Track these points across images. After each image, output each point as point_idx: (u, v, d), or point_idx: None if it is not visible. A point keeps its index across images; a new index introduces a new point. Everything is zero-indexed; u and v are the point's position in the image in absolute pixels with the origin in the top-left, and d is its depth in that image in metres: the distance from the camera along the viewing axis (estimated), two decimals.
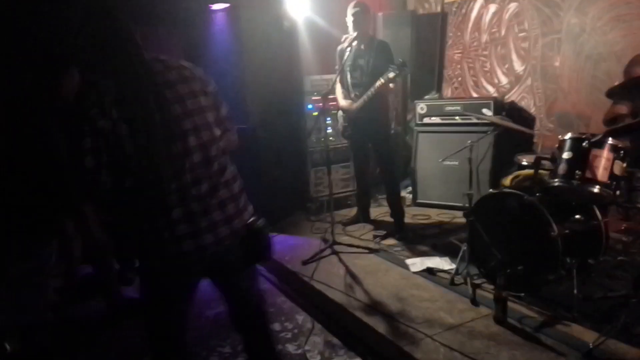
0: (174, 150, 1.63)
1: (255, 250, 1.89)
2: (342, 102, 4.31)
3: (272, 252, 1.95)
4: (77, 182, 1.69)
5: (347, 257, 3.95)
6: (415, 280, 3.49)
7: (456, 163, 4.79)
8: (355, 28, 4.04)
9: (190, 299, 1.92)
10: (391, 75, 3.85)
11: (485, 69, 5.46)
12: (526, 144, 4.91)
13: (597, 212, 3.12)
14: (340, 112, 4.44)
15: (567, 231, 2.96)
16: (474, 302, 3.09)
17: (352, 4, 4.07)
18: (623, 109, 3.40)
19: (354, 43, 4.11)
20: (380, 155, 4.42)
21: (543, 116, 4.90)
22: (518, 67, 5.10)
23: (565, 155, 2.93)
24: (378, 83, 3.92)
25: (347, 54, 4.11)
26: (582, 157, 2.85)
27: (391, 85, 4.04)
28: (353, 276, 3.60)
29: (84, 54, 1.71)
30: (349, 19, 4.06)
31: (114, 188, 1.60)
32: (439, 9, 5.92)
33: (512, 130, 3.69)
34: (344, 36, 4.21)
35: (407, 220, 4.54)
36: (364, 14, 4.05)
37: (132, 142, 1.55)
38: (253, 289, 2.06)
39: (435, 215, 4.92)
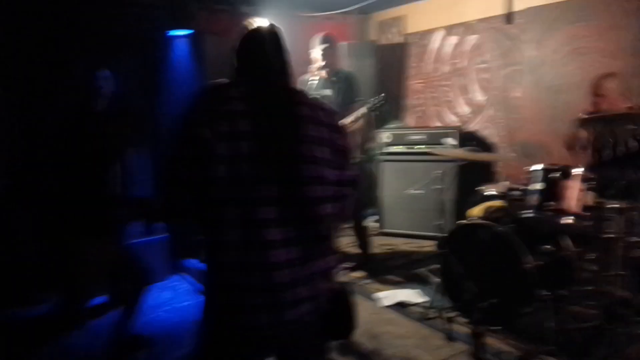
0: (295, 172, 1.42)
1: (339, 324, 1.57)
2: None
3: (356, 324, 1.60)
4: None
5: None
6: (387, 315, 3.38)
7: (421, 192, 4.77)
8: (324, 61, 4.00)
9: None
10: (364, 110, 3.85)
11: (448, 98, 5.52)
12: (489, 173, 4.96)
13: (568, 242, 3.12)
14: None
15: (540, 262, 2.94)
16: (450, 337, 3.00)
17: (320, 38, 4.03)
18: (584, 134, 3.46)
19: (321, 74, 4.07)
20: None
21: (505, 145, 4.97)
22: (479, 97, 5.18)
23: (537, 186, 2.94)
24: (349, 119, 3.88)
25: (312, 84, 4.06)
26: (554, 187, 2.87)
27: (357, 124, 4.01)
28: None
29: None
30: (317, 52, 4.02)
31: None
32: (400, 39, 5.99)
33: (483, 160, 3.69)
34: (310, 67, 4.15)
35: (374, 250, 4.45)
36: (332, 48, 4.05)
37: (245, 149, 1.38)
38: None
39: (402, 245, 4.86)
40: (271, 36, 1.61)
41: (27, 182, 3.44)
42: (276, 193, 1.39)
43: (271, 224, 1.38)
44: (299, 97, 1.56)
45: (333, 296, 1.52)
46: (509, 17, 2.96)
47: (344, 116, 3.93)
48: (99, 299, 3.18)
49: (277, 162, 1.41)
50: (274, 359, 1.55)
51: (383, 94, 3.92)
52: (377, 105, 3.86)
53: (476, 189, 3.93)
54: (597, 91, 3.29)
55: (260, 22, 1.62)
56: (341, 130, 1.60)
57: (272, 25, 1.62)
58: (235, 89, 1.48)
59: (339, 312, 1.55)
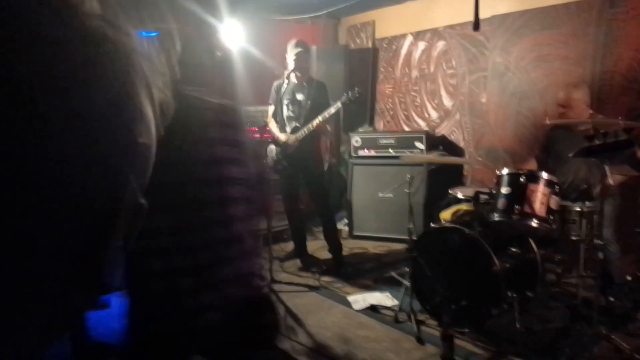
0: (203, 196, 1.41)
1: (260, 328, 1.55)
2: (280, 135, 4.22)
3: (280, 328, 1.60)
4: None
5: (286, 295, 3.78)
6: (359, 318, 3.39)
7: (391, 196, 4.81)
8: (297, 66, 4.03)
9: None
10: (333, 110, 3.94)
11: (416, 103, 5.60)
12: (457, 176, 5.04)
13: (534, 245, 3.20)
14: (271, 146, 4.34)
15: (507, 265, 3.00)
16: (420, 340, 3.02)
17: (293, 43, 4.05)
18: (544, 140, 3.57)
19: (293, 78, 4.11)
20: (313, 189, 4.35)
21: (472, 150, 5.07)
22: (447, 102, 5.27)
23: (504, 190, 2.99)
24: (320, 117, 3.95)
25: (284, 88, 4.08)
26: (520, 192, 2.93)
27: (327, 126, 4.08)
28: (294, 317, 3.44)
29: None
30: (290, 57, 4.03)
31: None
32: (370, 44, 6.04)
33: (448, 164, 3.74)
34: (285, 72, 4.16)
35: (345, 253, 4.46)
36: (306, 53, 4.11)
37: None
38: None
39: (373, 248, 4.88)
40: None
41: None
42: (174, 199, 1.38)
43: (166, 231, 1.37)
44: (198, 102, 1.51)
45: (250, 302, 1.49)
46: (475, 24, 3.01)
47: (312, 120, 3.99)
48: None
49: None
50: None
51: (357, 88, 3.98)
52: (352, 99, 3.92)
53: (448, 192, 4.00)
54: (564, 102, 3.37)
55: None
56: (236, 125, 1.57)
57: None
58: None
59: (256, 319, 1.53)
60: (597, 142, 2.34)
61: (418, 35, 5.49)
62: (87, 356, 2.98)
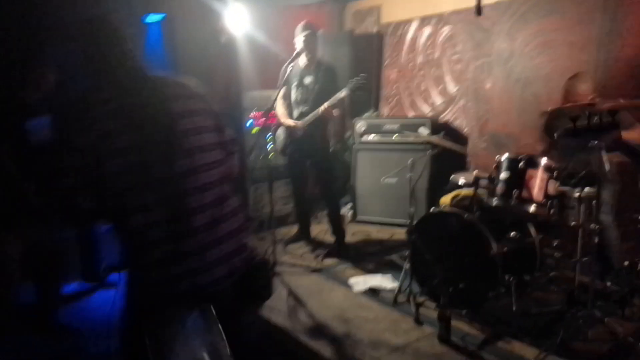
0: (177, 170, 1.50)
1: (254, 290, 1.69)
2: (287, 120, 4.25)
3: (272, 290, 1.76)
4: (52, 203, 1.50)
5: (289, 277, 3.86)
6: (359, 300, 3.46)
7: (395, 181, 4.84)
8: (306, 49, 4.03)
9: None
10: (339, 97, 3.93)
11: (421, 89, 5.60)
12: (460, 162, 5.07)
13: (532, 230, 3.24)
14: (279, 130, 4.38)
15: (505, 249, 3.05)
16: (418, 320, 3.09)
17: (302, 25, 4.06)
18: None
19: (301, 62, 4.11)
20: (319, 173, 4.41)
21: (476, 136, 5.08)
22: (452, 88, 5.27)
23: (503, 175, 3.03)
24: (327, 103, 3.95)
25: (293, 71, 4.08)
26: (519, 177, 2.96)
27: (335, 111, 4.07)
28: (296, 298, 3.51)
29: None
30: (299, 39, 4.04)
31: (98, 211, 1.46)
32: (375, 29, 6.03)
33: (449, 150, 3.77)
34: (293, 54, 4.16)
35: (348, 237, 4.52)
36: (314, 36, 4.08)
37: (127, 161, 1.43)
38: (248, 333, 1.78)
39: (375, 233, 4.94)
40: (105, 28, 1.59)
41: None
42: (168, 173, 1.50)
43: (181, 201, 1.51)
44: (159, 82, 1.60)
45: (246, 257, 1.66)
46: (478, 9, 3.02)
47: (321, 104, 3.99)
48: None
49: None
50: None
51: (364, 74, 3.98)
52: (358, 85, 3.91)
53: (449, 178, 4.04)
54: (569, 95, 3.36)
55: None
56: (202, 96, 1.69)
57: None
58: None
59: (254, 273, 1.68)
60: (580, 123, 2.36)
61: (423, 21, 5.48)
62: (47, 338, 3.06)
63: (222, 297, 1.58)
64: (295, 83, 4.20)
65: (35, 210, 2.58)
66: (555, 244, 3.44)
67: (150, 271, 1.51)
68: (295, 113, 4.23)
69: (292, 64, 4.05)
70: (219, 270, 1.57)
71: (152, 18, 4.62)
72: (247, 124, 5.01)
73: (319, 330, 3.05)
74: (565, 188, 3.05)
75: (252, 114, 5.00)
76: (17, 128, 2.66)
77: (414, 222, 3.35)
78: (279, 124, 4.36)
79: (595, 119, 2.39)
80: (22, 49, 3.63)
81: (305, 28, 4.05)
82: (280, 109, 4.31)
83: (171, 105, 1.55)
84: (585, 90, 3.31)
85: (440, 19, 5.29)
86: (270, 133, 4.75)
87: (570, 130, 2.42)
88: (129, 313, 1.60)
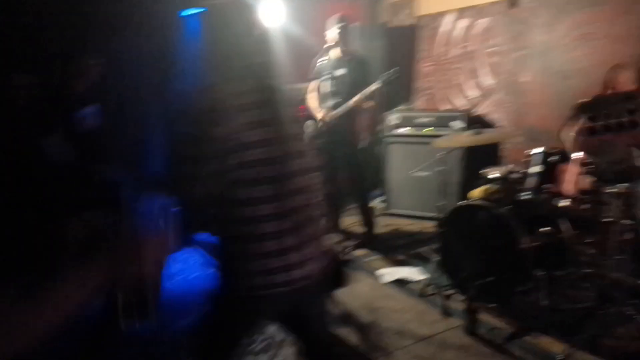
0: (293, 169, 1.60)
1: (336, 277, 1.85)
2: (317, 112, 4.29)
3: (345, 280, 1.92)
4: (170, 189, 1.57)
5: None
6: (386, 290, 3.49)
7: (427, 174, 4.83)
8: (340, 41, 4.06)
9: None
10: (371, 89, 3.94)
11: (456, 82, 5.55)
12: (494, 157, 5.00)
13: (564, 225, 3.19)
14: (309, 122, 4.42)
15: (536, 243, 3.02)
16: (445, 312, 3.10)
17: (336, 17, 4.09)
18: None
19: (334, 54, 4.14)
20: (349, 166, 4.43)
21: (512, 129, 5.00)
22: (488, 81, 5.20)
23: (534, 169, 3.00)
24: (359, 96, 3.97)
25: (325, 64, 4.12)
26: (550, 171, 2.93)
27: (370, 104, 4.09)
28: None
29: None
30: (333, 32, 4.07)
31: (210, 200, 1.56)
32: (410, 22, 6.00)
33: (486, 143, 3.74)
34: (325, 46, 4.21)
35: (378, 230, 4.55)
36: (347, 28, 4.11)
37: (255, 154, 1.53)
38: (326, 319, 1.92)
39: (406, 225, 4.95)
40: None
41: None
42: (286, 170, 1.59)
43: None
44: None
45: (328, 254, 1.77)
46: (513, 1, 2.97)
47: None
48: None
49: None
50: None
51: (397, 67, 3.99)
52: (391, 78, 3.93)
53: (480, 171, 4.00)
54: (609, 84, 3.29)
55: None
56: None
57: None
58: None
59: (334, 265, 1.81)
60: (599, 122, 2.31)
61: (460, 13, 5.41)
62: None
63: (305, 292, 1.68)
64: (326, 75, 4.22)
65: (97, 196, 2.71)
66: (588, 240, 3.37)
67: (252, 262, 1.58)
68: (327, 105, 4.26)
69: (323, 57, 4.09)
70: (310, 266, 1.65)
71: (190, 11, 4.74)
72: None
73: (345, 318, 3.11)
74: (599, 183, 2.99)
75: None
76: (70, 116, 2.78)
77: (444, 215, 3.35)
78: (310, 116, 4.41)
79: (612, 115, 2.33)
80: (71, 42, 3.80)
81: (339, 20, 4.07)
82: (311, 102, 4.36)
83: (289, 107, 1.68)
84: (625, 80, 3.23)
85: (476, 11, 5.22)
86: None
87: (589, 129, 2.36)
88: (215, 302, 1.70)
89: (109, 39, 4.21)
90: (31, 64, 3.51)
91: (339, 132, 4.20)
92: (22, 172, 2.56)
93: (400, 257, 4.09)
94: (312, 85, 4.29)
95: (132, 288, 0.88)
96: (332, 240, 4.50)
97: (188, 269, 4.25)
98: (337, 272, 1.85)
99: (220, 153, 1.48)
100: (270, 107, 1.57)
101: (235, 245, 1.60)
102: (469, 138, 3.60)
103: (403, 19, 6.10)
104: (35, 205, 2.55)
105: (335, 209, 4.77)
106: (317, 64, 4.27)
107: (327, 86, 4.26)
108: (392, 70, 3.94)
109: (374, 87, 3.95)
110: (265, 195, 1.54)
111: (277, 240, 1.57)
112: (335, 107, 4.18)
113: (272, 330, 3.14)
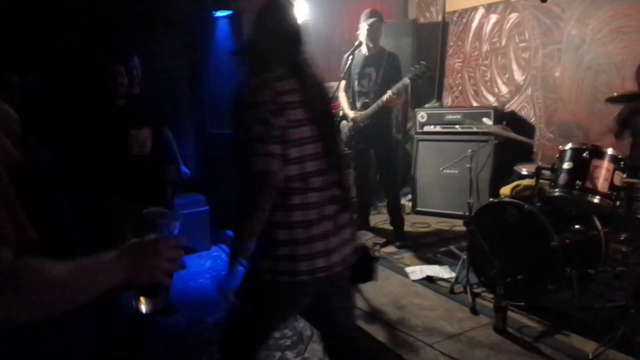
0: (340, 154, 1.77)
1: (365, 271, 1.88)
2: (349, 112, 4.29)
3: (375, 273, 1.94)
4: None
5: None
6: (415, 288, 3.49)
7: (456, 171, 4.80)
8: (370, 37, 4.05)
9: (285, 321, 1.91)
10: (399, 86, 3.93)
11: (486, 78, 5.49)
12: (526, 153, 4.93)
13: (597, 222, 3.14)
14: (344, 122, 4.42)
15: (567, 241, 2.98)
16: (474, 310, 3.09)
17: (367, 12, 4.08)
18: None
19: (364, 51, 4.13)
20: (382, 163, 4.43)
21: (543, 126, 4.92)
22: (518, 76, 5.13)
23: (566, 165, 2.95)
24: (389, 93, 3.95)
25: (354, 61, 4.11)
26: (583, 167, 2.87)
27: (400, 99, 4.07)
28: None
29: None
30: (364, 27, 4.06)
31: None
32: (439, 18, 5.95)
33: (512, 139, 3.70)
34: (356, 43, 4.18)
35: (406, 228, 4.54)
36: (379, 23, 4.08)
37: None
38: (353, 309, 1.98)
39: (435, 224, 4.92)
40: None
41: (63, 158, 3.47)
42: (326, 164, 1.69)
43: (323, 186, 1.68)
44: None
45: (357, 245, 1.82)
46: None
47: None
48: None
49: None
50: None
51: (423, 62, 3.96)
52: (419, 73, 3.89)
53: (513, 168, 3.95)
54: None
55: None
56: None
57: None
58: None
59: (364, 258, 1.85)
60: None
61: (490, 8, 5.35)
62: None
63: (342, 276, 1.75)
64: (357, 73, 4.22)
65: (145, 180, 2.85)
66: (622, 237, 3.30)
67: (297, 245, 1.63)
68: (359, 104, 4.25)
69: (353, 54, 4.07)
70: (346, 250, 1.72)
71: (221, 12, 4.84)
72: None
73: (374, 315, 3.13)
74: (633, 180, 2.93)
75: None
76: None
77: (474, 212, 3.33)
78: (343, 116, 4.42)
79: None
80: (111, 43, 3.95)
81: (371, 15, 4.05)
82: (343, 102, 4.36)
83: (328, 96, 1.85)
84: None
85: (507, 6, 5.16)
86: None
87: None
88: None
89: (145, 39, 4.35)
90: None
91: (373, 129, 4.18)
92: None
93: (429, 255, 4.08)
94: (342, 84, 4.28)
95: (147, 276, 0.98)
96: (363, 235, 4.54)
97: (217, 266, 4.35)
98: (367, 266, 1.88)
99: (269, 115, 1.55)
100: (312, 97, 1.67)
101: (279, 231, 1.63)
102: (501, 129, 3.57)
103: (432, 16, 6.06)
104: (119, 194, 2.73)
105: (365, 206, 4.79)
106: (347, 62, 4.26)
107: (357, 84, 4.25)
108: (420, 64, 3.91)
109: (401, 84, 3.93)
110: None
111: (319, 225, 1.64)
112: (364, 107, 4.17)
113: (301, 325, 3.20)
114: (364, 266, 1.86)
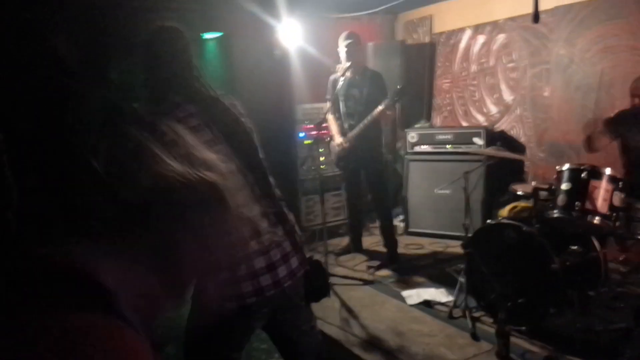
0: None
1: (318, 286, 1.80)
2: (337, 138, 4.27)
3: (330, 288, 1.89)
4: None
5: (341, 289, 3.85)
6: (412, 313, 3.41)
7: (448, 192, 4.76)
8: (349, 58, 4.05)
9: (243, 348, 1.75)
10: (379, 109, 3.92)
11: (474, 98, 5.50)
12: (517, 173, 4.92)
13: (596, 243, 3.10)
14: (333, 142, 4.40)
15: (567, 263, 2.93)
16: (475, 336, 3.01)
17: (344, 35, 4.10)
18: (606, 138, 3.38)
19: (347, 73, 4.12)
20: (373, 184, 4.39)
21: (533, 145, 4.92)
22: (507, 96, 5.14)
23: (564, 186, 2.92)
24: (375, 112, 3.94)
25: (340, 83, 4.10)
26: (581, 188, 2.84)
27: (389, 112, 4.04)
28: (349, 309, 3.50)
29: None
30: (342, 50, 4.08)
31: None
32: (427, 39, 5.99)
33: (506, 159, 3.67)
34: (337, 66, 4.21)
35: (400, 249, 4.48)
36: (356, 44, 4.09)
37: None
38: (314, 331, 1.89)
39: (428, 245, 4.86)
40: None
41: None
42: (247, 179, 1.57)
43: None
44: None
45: (305, 257, 1.75)
46: (535, 16, 2.93)
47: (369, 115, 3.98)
48: None
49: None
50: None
51: (398, 86, 3.97)
52: (395, 98, 3.90)
53: (507, 188, 3.92)
54: (636, 92, 3.22)
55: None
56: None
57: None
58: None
59: (316, 272, 1.78)
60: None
61: (477, 29, 5.39)
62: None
63: (292, 292, 1.68)
64: (342, 95, 4.21)
65: None
66: (621, 258, 3.27)
67: (236, 268, 1.56)
68: (346, 125, 4.24)
69: (339, 76, 4.08)
70: (292, 262, 1.66)
71: (209, 35, 4.79)
72: (300, 136, 5.07)
73: (372, 343, 3.03)
74: (632, 200, 2.91)
75: (304, 126, 5.06)
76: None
77: (470, 234, 3.28)
78: (331, 137, 4.39)
79: None
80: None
81: (347, 37, 4.07)
82: (331, 123, 4.34)
83: (244, 121, 1.70)
84: None
85: (494, 27, 5.19)
86: (321, 146, 4.79)
87: None
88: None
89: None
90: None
91: (363, 149, 4.16)
92: None
93: (424, 277, 4.01)
94: (329, 105, 4.27)
95: None
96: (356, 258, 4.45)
97: None
98: (320, 280, 1.82)
99: None
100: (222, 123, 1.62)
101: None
102: (492, 150, 3.54)
103: (419, 37, 6.09)
104: None
105: (357, 228, 4.72)
106: (333, 84, 4.25)
107: (343, 106, 4.25)
108: (395, 90, 3.92)
109: (380, 108, 3.91)
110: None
111: (255, 241, 1.58)
112: (350, 128, 4.16)
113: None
114: (317, 281, 1.79)
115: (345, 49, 4.05)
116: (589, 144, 3.40)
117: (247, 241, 1.52)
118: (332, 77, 4.32)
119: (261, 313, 1.66)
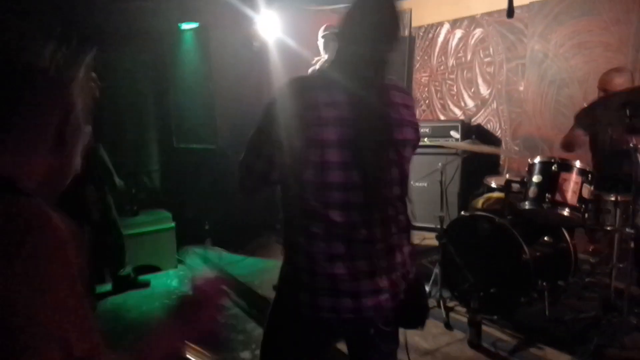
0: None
1: (415, 314, 1.59)
2: None
3: (427, 313, 1.65)
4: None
5: None
6: None
7: (425, 184, 4.81)
8: (326, 51, 4.06)
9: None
10: None
11: (452, 92, 5.56)
12: (493, 166, 5.00)
13: (566, 234, 3.18)
14: None
15: (538, 254, 3.00)
16: (448, 325, 3.07)
17: (323, 27, 4.11)
18: (580, 133, 3.46)
19: (325, 66, 4.13)
20: None
21: (508, 139, 5.01)
22: (484, 90, 5.21)
23: (535, 178, 2.98)
24: None
25: None
26: (552, 180, 2.91)
27: None
28: None
29: None
30: (320, 42, 4.09)
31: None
32: (406, 32, 6.01)
33: (481, 153, 3.73)
34: (315, 58, 4.22)
35: None
36: (331, 38, 4.09)
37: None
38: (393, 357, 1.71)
39: None
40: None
41: None
42: (360, 180, 1.41)
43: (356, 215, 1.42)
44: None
45: (409, 286, 1.52)
46: (510, 11, 2.98)
47: None
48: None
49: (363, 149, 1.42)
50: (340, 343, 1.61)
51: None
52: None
53: (482, 181, 3.99)
54: (604, 86, 3.30)
55: None
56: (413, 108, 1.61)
57: None
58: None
59: (414, 301, 1.55)
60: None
61: (455, 23, 5.44)
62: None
63: (372, 325, 1.51)
64: None
65: None
66: (590, 249, 3.36)
67: (320, 281, 1.43)
68: None
69: (317, 68, 4.10)
70: (383, 296, 1.45)
71: (187, 25, 4.75)
72: None
73: None
74: (601, 192, 2.99)
75: None
76: None
77: (445, 226, 3.33)
78: None
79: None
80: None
81: (324, 30, 4.09)
82: None
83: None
84: (622, 84, 3.22)
85: (471, 21, 5.25)
86: None
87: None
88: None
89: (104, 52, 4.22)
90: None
91: None
92: None
93: None
94: None
95: None
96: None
97: (183, 285, 4.21)
98: (417, 307, 1.60)
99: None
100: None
101: (305, 261, 1.43)
102: (467, 144, 3.59)
103: None
104: None
105: None
106: None
107: None
108: None
109: None
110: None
111: (348, 262, 1.40)
112: None
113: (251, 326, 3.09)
114: (413, 307, 1.57)
115: (323, 41, 4.07)
116: (568, 147, 3.48)
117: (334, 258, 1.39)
118: (310, 70, 4.33)
119: (336, 333, 1.55)
